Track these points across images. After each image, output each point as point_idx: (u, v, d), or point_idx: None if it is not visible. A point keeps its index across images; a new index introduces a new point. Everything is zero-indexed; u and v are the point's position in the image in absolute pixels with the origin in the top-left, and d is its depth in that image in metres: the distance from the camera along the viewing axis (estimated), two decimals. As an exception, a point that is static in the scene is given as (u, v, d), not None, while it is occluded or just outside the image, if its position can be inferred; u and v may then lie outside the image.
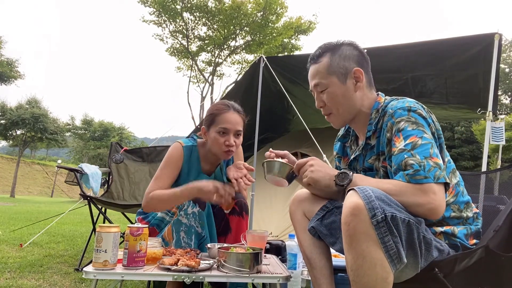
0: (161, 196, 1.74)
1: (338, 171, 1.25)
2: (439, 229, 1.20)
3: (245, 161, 2.14)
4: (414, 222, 1.05)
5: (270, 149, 1.50)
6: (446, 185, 1.13)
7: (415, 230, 1.05)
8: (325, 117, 1.42)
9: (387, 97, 1.36)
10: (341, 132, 1.56)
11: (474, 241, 1.23)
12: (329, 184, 1.25)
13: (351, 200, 1.04)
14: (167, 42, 20.65)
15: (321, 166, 1.28)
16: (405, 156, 1.13)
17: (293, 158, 1.51)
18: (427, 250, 1.10)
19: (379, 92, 1.39)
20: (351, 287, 1.06)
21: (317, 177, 1.26)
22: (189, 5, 18.46)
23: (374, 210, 1.00)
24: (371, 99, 1.35)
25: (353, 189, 1.07)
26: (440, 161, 1.13)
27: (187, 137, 2.15)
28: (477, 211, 1.29)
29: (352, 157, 1.42)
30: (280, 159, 1.40)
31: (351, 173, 1.21)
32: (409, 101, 1.24)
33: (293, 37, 20.47)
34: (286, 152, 1.50)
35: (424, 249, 1.09)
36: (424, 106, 1.26)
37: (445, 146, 1.27)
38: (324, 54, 1.35)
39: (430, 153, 1.12)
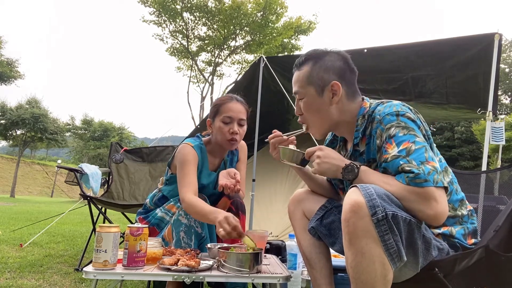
0: (194, 209, 1.68)
1: (346, 162, 1.23)
2: (436, 230, 1.20)
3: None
4: (415, 221, 1.05)
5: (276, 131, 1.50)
6: (446, 189, 1.12)
7: (415, 229, 1.05)
8: (303, 126, 1.42)
9: (372, 100, 1.33)
10: (328, 137, 1.55)
11: (473, 240, 1.23)
12: (336, 175, 1.25)
13: (352, 197, 1.04)
14: (167, 42, 20.68)
15: (328, 157, 1.27)
16: (401, 162, 1.11)
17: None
18: (426, 249, 1.10)
19: (364, 97, 1.36)
20: (351, 285, 1.06)
21: (323, 169, 1.26)
22: (189, 5, 18.46)
23: (375, 208, 1.00)
24: (353, 109, 1.32)
25: (355, 186, 1.07)
26: (437, 164, 1.12)
27: (187, 137, 2.16)
28: (471, 208, 1.28)
29: None
30: (293, 147, 1.44)
31: (359, 165, 1.20)
32: (396, 105, 1.21)
33: (293, 37, 20.47)
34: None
35: (424, 248, 1.09)
36: (410, 107, 1.23)
37: (434, 145, 1.26)
38: (306, 62, 1.35)
39: (425, 157, 1.11)
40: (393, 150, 1.14)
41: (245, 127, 1.94)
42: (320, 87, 1.31)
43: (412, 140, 1.13)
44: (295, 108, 1.42)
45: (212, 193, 1.95)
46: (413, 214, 1.08)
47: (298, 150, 1.41)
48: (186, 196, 1.72)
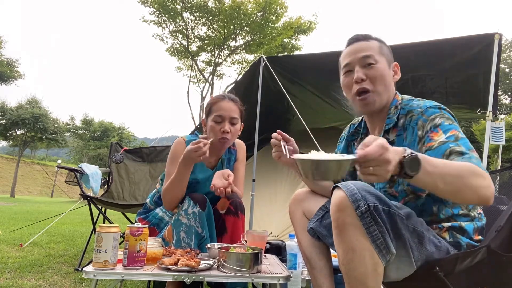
0: (168, 187, 1.81)
1: (401, 156, 0.95)
2: (447, 224, 1.22)
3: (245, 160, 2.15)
4: (396, 212, 1.06)
5: (278, 130, 1.45)
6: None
7: (398, 220, 1.06)
8: (358, 97, 1.34)
9: (404, 95, 1.40)
10: (345, 134, 1.57)
11: (479, 237, 1.24)
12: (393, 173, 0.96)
13: (335, 196, 1.06)
14: (167, 42, 20.66)
15: (388, 163, 0.92)
16: (451, 145, 1.13)
17: (296, 146, 1.47)
18: (419, 243, 1.10)
19: (396, 91, 1.44)
20: (344, 281, 1.07)
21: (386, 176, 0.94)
22: (189, 5, 18.44)
23: (358, 202, 1.01)
24: (392, 95, 1.40)
25: (337, 186, 1.09)
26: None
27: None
28: (481, 212, 1.30)
29: None
30: (336, 156, 0.96)
31: (413, 152, 0.96)
32: (434, 102, 1.28)
33: (293, 37, 20.45)
34: (291, 138, 1.48)
35: (417, 242, 1.09)
36: None
37: None
38: (373, 39, 1.40)
39: (471, 146, 1.14)
40: (440, 137, 1.17)
41: (238, 126, 1.94)
42: (388, 62, 1.39)
43: (458, 130, 1.18)
44: (356, 75, 1.34)
45: (209, 191, 1.95)
46: (478, 191, 1.01)
47: (344, 159, 0.92)
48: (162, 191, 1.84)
